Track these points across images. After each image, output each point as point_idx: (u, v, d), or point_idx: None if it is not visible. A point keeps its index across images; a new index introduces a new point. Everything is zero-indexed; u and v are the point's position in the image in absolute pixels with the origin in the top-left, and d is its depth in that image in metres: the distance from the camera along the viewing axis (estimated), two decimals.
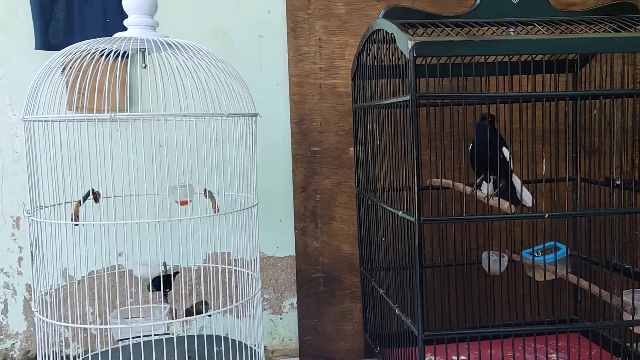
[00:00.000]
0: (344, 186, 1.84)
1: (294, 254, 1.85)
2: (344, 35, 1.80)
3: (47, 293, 1.17)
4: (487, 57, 1.27)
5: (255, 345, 1.34)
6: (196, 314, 1.22)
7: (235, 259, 1.34)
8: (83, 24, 1.64)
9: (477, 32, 1.21)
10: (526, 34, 1.26)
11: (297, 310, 1.85)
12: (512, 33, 1.25)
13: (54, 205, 1.18)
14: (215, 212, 1.19)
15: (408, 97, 1.12)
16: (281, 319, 1.90)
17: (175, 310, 1.24)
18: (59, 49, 1.57)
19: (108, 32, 1.62)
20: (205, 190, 1.31)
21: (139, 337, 1.07)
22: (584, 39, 1.13)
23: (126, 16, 1.25)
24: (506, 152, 1.35)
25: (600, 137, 1.39)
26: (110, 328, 1.15)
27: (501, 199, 1.27)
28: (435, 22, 1.25)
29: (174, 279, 1.30)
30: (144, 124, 1.15)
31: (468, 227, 1.48)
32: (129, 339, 1.11)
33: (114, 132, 1.13)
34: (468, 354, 1.33)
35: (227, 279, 1.39)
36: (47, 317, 1.14)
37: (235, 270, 1.34)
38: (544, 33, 1.21)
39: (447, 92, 1.27)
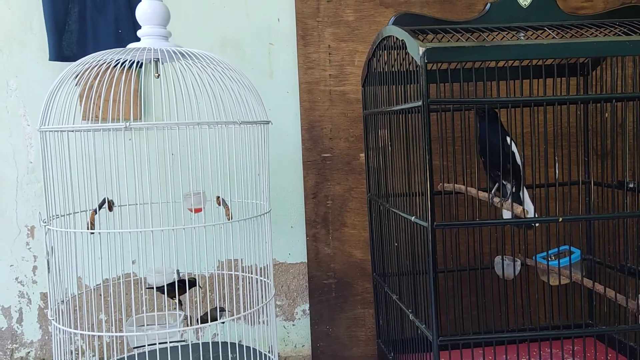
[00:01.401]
0: (355, 192, 1.84)
1: (306, 260, 1.86)
2: (353, 42, 1.81)
3: (62, 301, 1.18)
4: (497, 61, 1.27)
5: (268, 352, 1.34)
6: (211, 321, 1.22)
7: (248, 266, 1.35)
8: (96, 35, 1.67)
9: (487, 37, 1.21)
10: (536, 38, 1.26)
11: (310, 316, 1.85)
12: (522, 38, 1.25)
13: (70, 214, 1.19)
14: (229, 220, 1.19)
15: (419, 103, 1.13)
16: (293, 325, 1.90)
17: (190, 317, 1.25)
18: (72, 60, 1.59)
19: (120, 43, 1.64)
20: (218, 198, 1.32)
21: (155, 344, 1.07)
22: (595, 43, 1.13)
23: (138, 27, 1.27)
24: (512, 144, 1.35)
25: (612, 140, 1.38)
26: (126, 335, 1.16)
27: (514, 204, 1.27)
28: (445, 28, 1.26)
29: (188, 289, 1.30)
30: (157, 133, 1.17)
31: (480, 232, 1.47)
32: (144, 346, 1.12)
33: (127, 142, 1.15)
34: None
35: (240, 286, 1.40)
36: (63, 325, 1.15)
37: (249, 277, 1.35)
38: (554, 37, 1.20)
39: (458, 97, 1.27)
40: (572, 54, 1.14)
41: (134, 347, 1.14)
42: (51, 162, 1.17)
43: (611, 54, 1.19)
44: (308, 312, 1.87)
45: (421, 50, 1.08)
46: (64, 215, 1.19)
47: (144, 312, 1.30)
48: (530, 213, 1.36)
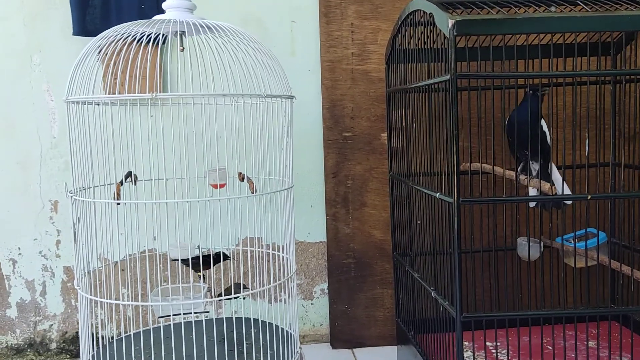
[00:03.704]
0: (376, 172, 1.83)
1: (325, 240, 1.86)
2: (376, 20, 1.79)
3: (89, 272, 1.20)
4: (528, 37, 1.24)
5: (289, 328, 1.34)
6: (232, 295, 1.23)
7: (270, 244, 1.35)
8: (119, 10, 1.67)
9: (518, 11, 1.18)
10: (570, 12, 1.23)
11: (328, 295, 1.86)
12: (554, 11, 1.21)
13: (96, 186, 1.20)
14: (253, 193, 1.19)
15: (448, 77, 1.11)
16: (312, 304, 1.90)
17: (214, 290, 1.25)
18: (95, 35, 1.59)
19: (143, 18, 1.63)
20: (240, 173, 1.32)
21: (180, 314, 1.08)
22: (630, 16, 1.10)
23: (161, 2, 1.26)
24: (544, 124, 1.32)
25: None
26: (152, 305, 1.17)
27: (542, 181, 1.25)
28: (475, 2, 1.23)
29: (222, 261, 1.30)
30: (180, 110, 1.16)
31: (504, 213, 1.45)
32: (169, 316, 1.13)
33: (150, 118, 1.15)
34: (507, 342, 1.31)
35: (263, 262, 1.40)
36: (90, 295, 1.16)
37: (271, 253, 1.35)
38: (588, 11, 1.17)
39: (488, 72, 1.24)
40: (607, 27, 1.11)
41: (160, 317, 1.15)
42: (77, 134, 1.18)
43: None
44: (327, 291, 1.88)
45: (450, 22, 1.06)
46: (90, 188, 1.19)
47: (168, 284, 1.31)
48: (559, 184, 1.33)
